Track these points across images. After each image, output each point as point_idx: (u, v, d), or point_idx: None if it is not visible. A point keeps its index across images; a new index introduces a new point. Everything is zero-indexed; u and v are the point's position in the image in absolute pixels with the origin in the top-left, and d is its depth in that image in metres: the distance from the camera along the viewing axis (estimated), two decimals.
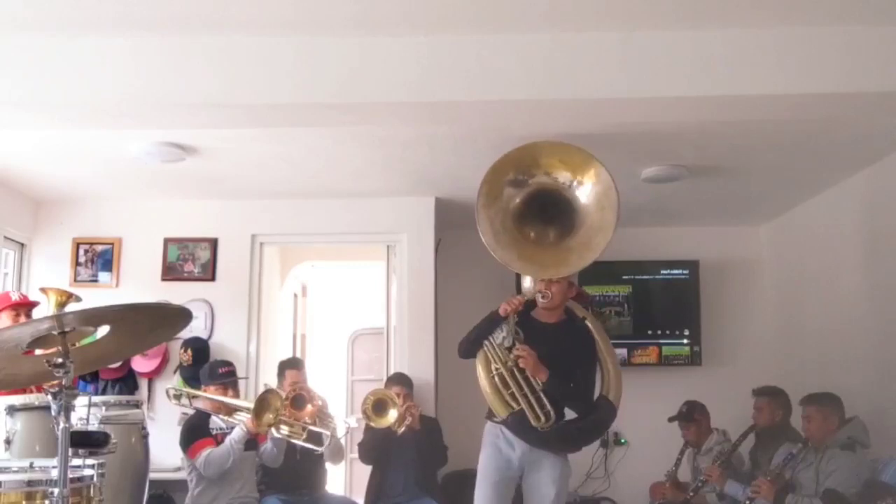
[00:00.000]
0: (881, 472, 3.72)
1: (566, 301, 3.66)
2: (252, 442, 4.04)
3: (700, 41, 3.09)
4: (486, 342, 3.59)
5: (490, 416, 3.66)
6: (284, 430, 4.08)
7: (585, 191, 3.58)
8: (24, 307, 3.98)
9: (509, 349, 3.52)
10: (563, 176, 3.61)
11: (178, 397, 4.30)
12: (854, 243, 4.65)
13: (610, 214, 3.50)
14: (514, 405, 3.50)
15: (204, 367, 4.40)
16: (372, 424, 4.35)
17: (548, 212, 3.65)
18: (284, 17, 3.00)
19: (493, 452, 3.60)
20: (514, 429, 3.55)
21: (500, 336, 3.56)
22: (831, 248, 4.90)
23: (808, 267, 5.23)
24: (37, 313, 3.95)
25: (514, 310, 3.51)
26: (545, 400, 3.46)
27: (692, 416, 4.75)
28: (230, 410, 4.13)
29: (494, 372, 3.54)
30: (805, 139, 4.04)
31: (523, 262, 3.63)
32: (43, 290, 4.12)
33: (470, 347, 3.66)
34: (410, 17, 3.00)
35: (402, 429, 4.29)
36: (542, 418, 3.45)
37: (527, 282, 3.88)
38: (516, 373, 3.50)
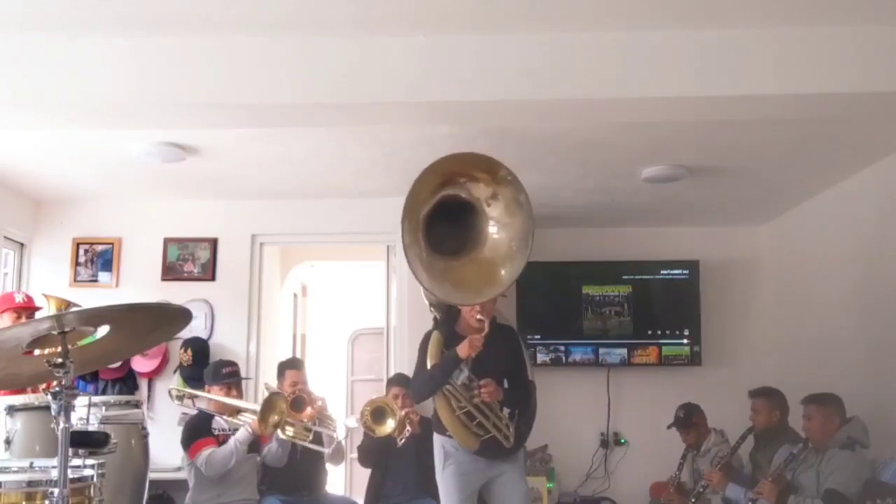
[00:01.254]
0: (881, 472, 3.71)
1: None
2: (254, 444, 4.04)
3: (700, 41, 3.08)
4: (447, 387, 3.50)
5: (442, 431, 3.63)
6: (289, 431, 4.09)
7: (492, 196, 3.34)
8: (26, 311, 3.98)
9: (467, 386, 3.49)
10: (471, 185, 3.35)
11: (180, 398, 4.29)
12: (854, 243, 4.64)
13: (522, 220, 3.29)
14: (482, 433, 3.51)
15: (208, 366, 4.40)
16: (372, 434, 4.33)
17: (456, 221, 3.40)
18: (284, 17, 3.00)
19: (455, 469, 3.58)
20: (481, 453, 3.54)
21: (462, 376, 3.50)
22: (831, 248, 4.90)
23: (808, 267, 5.23)
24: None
25: (477, 351, 3.45)
26: (505, 416, 3.52)
27: (691, 420, 4.74)
28: (233, 411, 4.12)
29: (459, 411, 3.48)
30: (805, 139, 4.04)
31: (458, 290, 3.38)
32: (46, 296, 4.13)
33: (430, 394, 3.59)
34: (410, 16, 3.00)
35: (403, 439, 4.28)
36: (511, 438, 3.51)
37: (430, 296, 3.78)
38: (481, 406, 3.49)
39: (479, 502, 3.75)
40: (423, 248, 3.27)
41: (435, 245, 3.33)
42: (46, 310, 4.06)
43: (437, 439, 3.69)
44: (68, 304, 4.06)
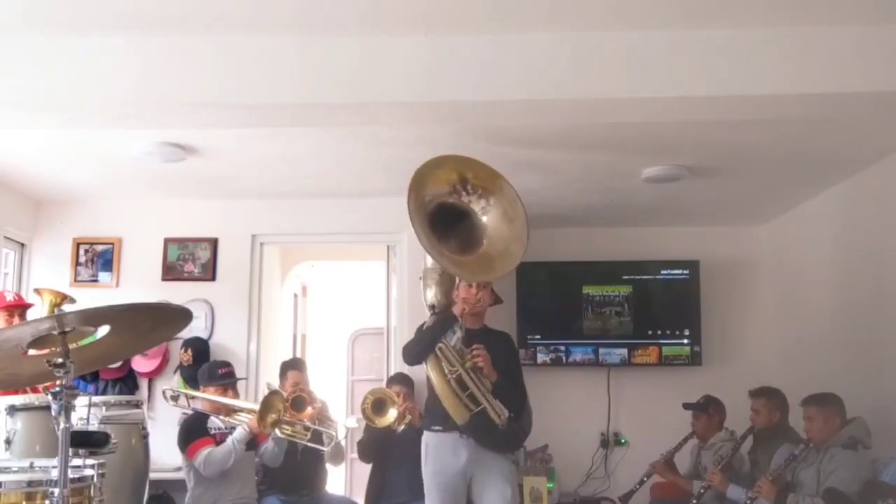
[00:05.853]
0: (881, 472, 3.71)
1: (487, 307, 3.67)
2: (252, 442, 4.04)
3: (700, 41, 3.08)
4: (440, 345, 3.52)
5: (428, 426, 3.65)
6: (287, 430, 4.08)
7: (490, 204, 3.61)
8: (18, 308, 3.97)
9: (461, 350, 3.51)
10: (467, 191, 3.61)
11: (175, 398, 4.29)
12: (854, 243, 4.65)
13: (520, 225, 3.55)
14: (473, 407, 3.45)
15: (202, 367, 4.40)
16: (372, 424, 4.35)
17: (454, 225, 3.62)
18: (285, 17, 3.00)
19: (436, 465, 3.56)
20: (470, 431, 3.49)
21: (454, 338, 3.53)
22: (831, 248, 4.90)
23: (808, 267, 5.23)
24: (31, 315, 3.94)
25: (471, 308, 3.55)
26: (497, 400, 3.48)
27: (706, 409, 4.78)
28: (230, 411, 4.12)
29: (451, 375, 3.47)
30: (805, 139, 4.04)
31: (457, 268, 3.56)
32: (37, 290, 4.13)
33: (422, 352, 3.58)
34: (411, 17, 3.00)
35: (402, 427, 4.30)
36: (502, 416, 3.43)
37: (429, 296, 3.84)
38: (472, 373, 3.47)
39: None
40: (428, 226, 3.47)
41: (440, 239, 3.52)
42: (40, 304, 4.05)
43: (424, 437, 3.66)
44: (63, 296, 4.05)
